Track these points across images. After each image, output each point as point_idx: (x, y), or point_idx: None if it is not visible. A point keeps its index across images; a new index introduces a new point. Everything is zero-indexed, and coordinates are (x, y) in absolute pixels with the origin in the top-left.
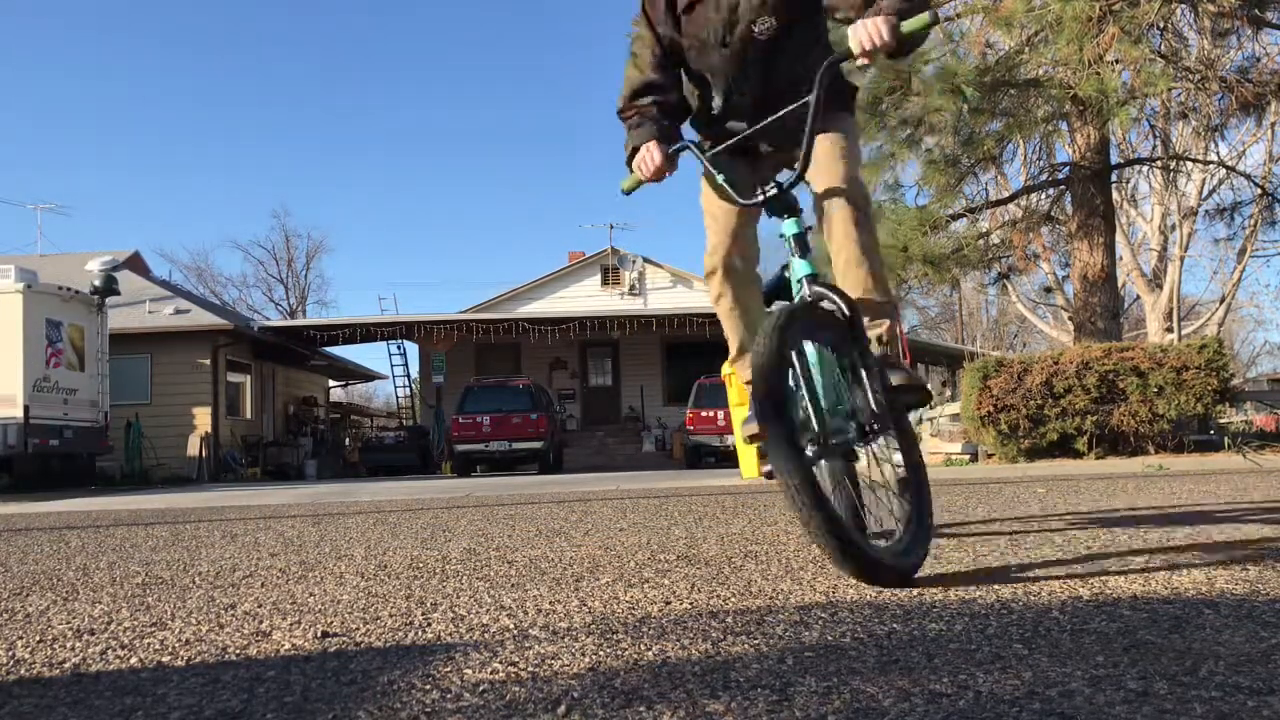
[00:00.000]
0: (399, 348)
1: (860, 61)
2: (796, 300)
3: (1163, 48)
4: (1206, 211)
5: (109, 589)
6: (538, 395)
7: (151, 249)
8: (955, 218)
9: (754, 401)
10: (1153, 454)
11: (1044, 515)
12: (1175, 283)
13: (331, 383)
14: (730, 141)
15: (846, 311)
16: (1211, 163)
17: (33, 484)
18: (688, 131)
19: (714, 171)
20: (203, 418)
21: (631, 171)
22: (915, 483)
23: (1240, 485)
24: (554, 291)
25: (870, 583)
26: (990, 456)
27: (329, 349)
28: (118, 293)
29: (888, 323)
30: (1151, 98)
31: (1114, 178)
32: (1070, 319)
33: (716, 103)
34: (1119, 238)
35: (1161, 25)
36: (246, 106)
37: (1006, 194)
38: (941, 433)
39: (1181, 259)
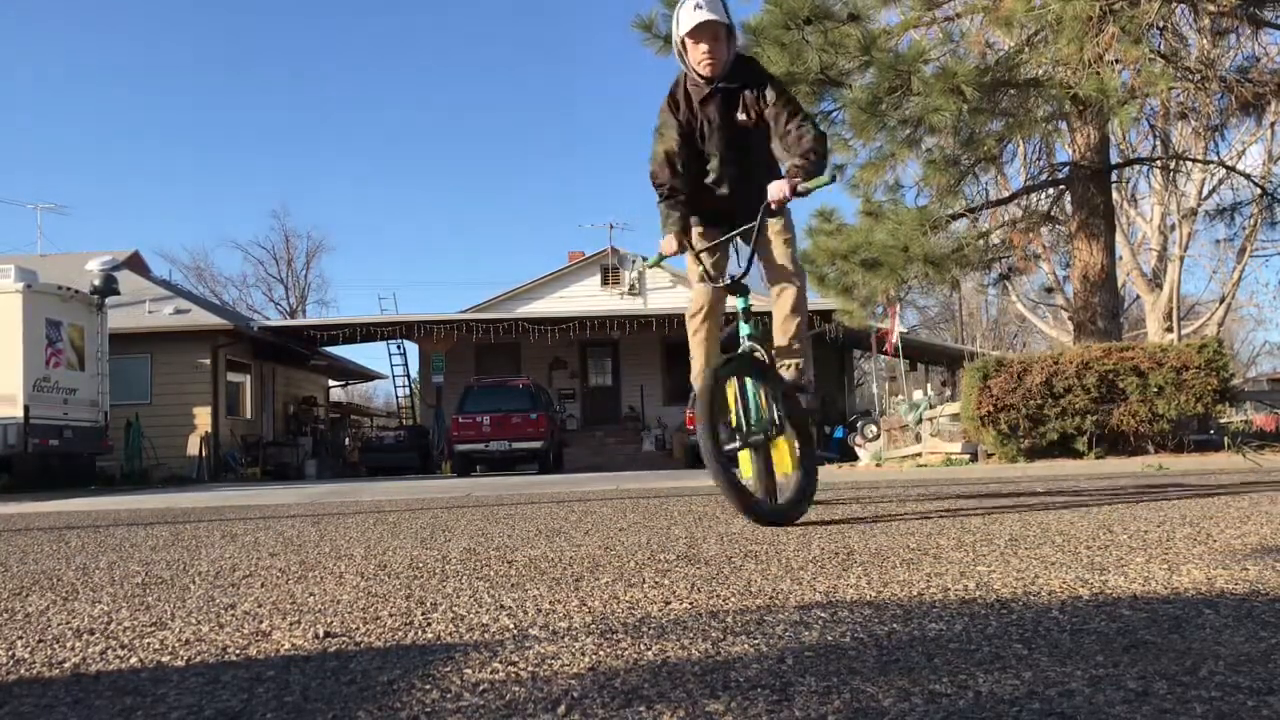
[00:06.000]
0: (399, 348)
1: (774, 207)
2: (741, 350)
3: (1163, 47)
4: (1207, 213)
5: (109, 589)
6: (538, 395)
7: (151, 249)
8: (955, 218)
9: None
10: (1153, 454)
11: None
12: (1175, 282)
13: (331, 383)
14: (715, 242)
15: (767, 359)
16: (1211, 162)
17: (33, 484)
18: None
19: (698, 263)
20: (203, 417)
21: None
22: (805, 467)
23: (1240, 485)
24: (554, 291)
25: (759, 523)
26: (990, 456)
27: (329, 349)
28: (118, 292)
29: (799, 361)
30: (1151, 97)
31: (1114, 177)
32: (1070, 319)
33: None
34: (1119, 237)
35: (1161, 25)
36: (246, 106)
37: (1006, 194)
38: (941, 433)
39: (1181, 259)
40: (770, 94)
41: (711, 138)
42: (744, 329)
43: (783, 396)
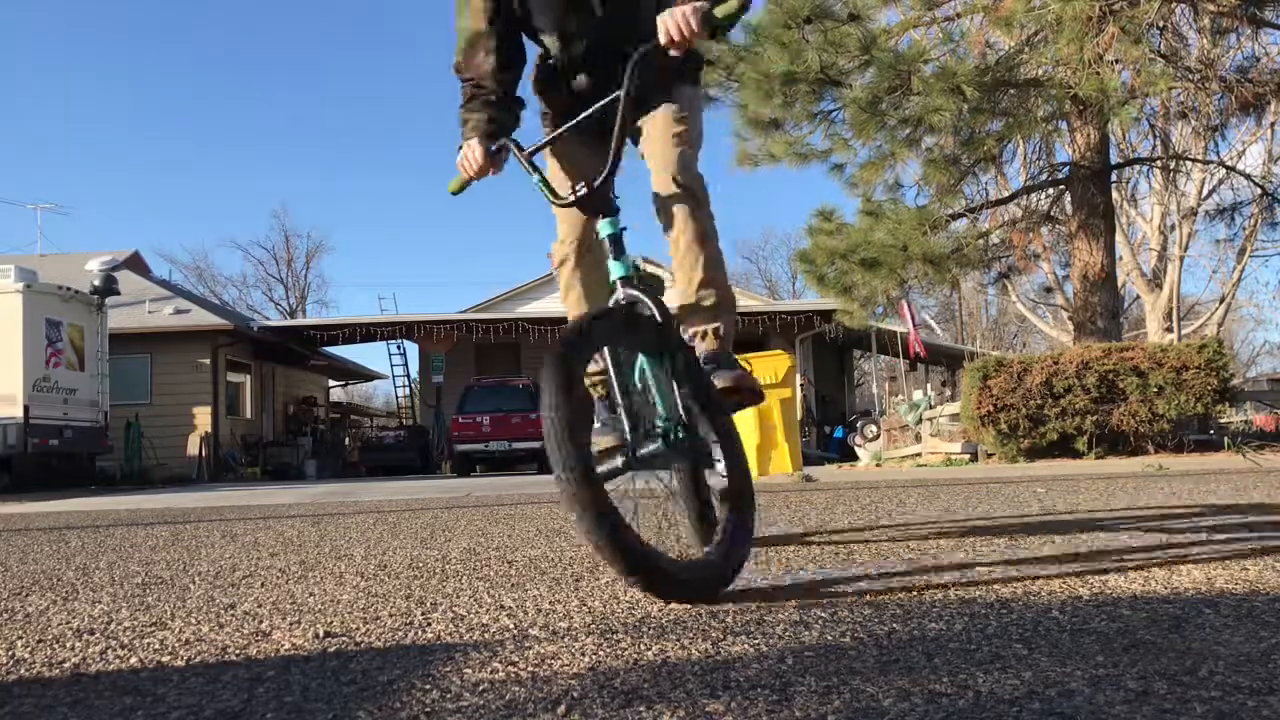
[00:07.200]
0: (399, 348)
1: (672, 52)
2: (610, 304)
3: (1163, 47)
4: (1206, 212)
5: (109, 589)
6: (537, 395)
7: (151, 249)
8: (955, 217)
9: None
10: (1152, 454)
11: (1043, 514)
12: (1175, 282)
13: (331, 383)
14: (560, 130)
15: (659, 315)
16: (1211, 162)
17: (32, 484)
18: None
19: (531, 171)
20: (203, 417)
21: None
22: (735, 491)
23: (1240, 485)
24: (554, 291)
25: (663, 598)
26: (990, 456)
27: (329, 349)
28: (118, 292)
29: (717, 324)
30: (1151, 97)
31: (1114, 177)
32: (1070, 319)
33: (555, 55)
34: (1119, 237)
35: (1161, 25)
36: (246, 105)
37: (1006, 194)
38: (941, 432)
39: (1181, 259)
40: None
41: (542, 7)
42: (616, 268)
43: (701, 385)
